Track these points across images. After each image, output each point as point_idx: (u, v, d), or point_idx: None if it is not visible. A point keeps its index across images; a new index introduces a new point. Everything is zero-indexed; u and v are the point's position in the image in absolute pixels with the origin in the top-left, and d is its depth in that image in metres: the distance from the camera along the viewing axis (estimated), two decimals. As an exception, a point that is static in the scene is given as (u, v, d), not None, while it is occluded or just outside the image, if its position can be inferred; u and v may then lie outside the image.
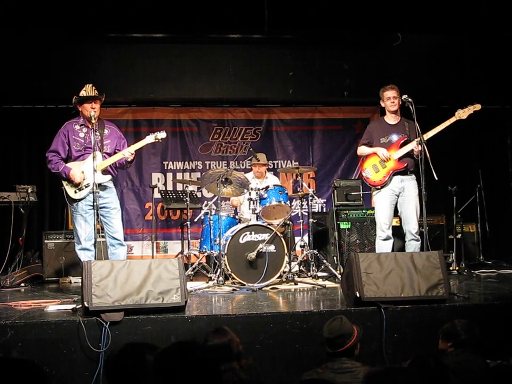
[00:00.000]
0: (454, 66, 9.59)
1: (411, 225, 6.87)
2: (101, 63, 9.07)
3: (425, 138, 6.66)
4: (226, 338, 3.75)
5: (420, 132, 6.51)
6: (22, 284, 7.59)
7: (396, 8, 8.65)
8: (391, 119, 7.15)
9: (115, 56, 9.16)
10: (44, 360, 4.60)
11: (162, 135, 6.64)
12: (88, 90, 6.45)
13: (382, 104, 7.20)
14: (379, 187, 6.99)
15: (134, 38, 9.11)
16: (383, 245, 6.98)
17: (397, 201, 7.00)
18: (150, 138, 6.64)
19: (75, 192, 6.40)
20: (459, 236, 8.47)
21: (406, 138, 6.94)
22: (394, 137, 7.04)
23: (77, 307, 5.17)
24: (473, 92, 9.51)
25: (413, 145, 6.79)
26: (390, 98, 7.03)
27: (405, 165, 6.89)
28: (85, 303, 4.82)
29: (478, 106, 6.81)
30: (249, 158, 8.57)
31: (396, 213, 7.12)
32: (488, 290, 6.44)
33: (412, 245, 6.87)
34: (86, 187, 6.37)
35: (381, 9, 8.69)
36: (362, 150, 7.30)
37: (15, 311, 5.39)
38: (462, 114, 6.80)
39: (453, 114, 6.86)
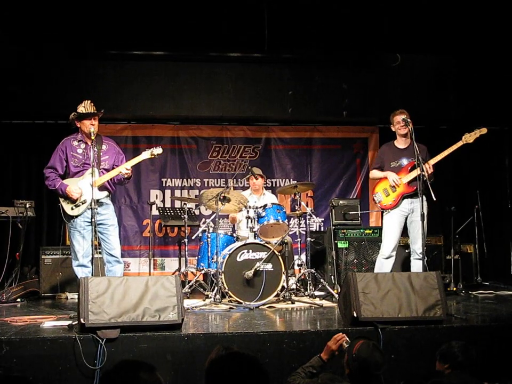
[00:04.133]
0: (453, 87, 9.64)
1: (417, 246, 6.91)
2: (101, 79, 9.11)
3: (433, 163, 6.75)
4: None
5: (418, 153, 6.53)
6: (18, 299, 7.55)
7: (395, 29, 8.71)
8: (401, 143, 7.20)
9: (115, 73, 9.20)
10: (39, 376, 4.58)
11: (158, 150, 6.63)
12: (87, 106, 6.45)
13: (393, 129, 7.24)
14: (389, 210, 7.06)
15: (134, 55, 9.16)
16: (384, 263, 7.01)
17: (405, 222, 7.06)
18: (146, 154, 6.62)
19: (72, 208, 6.37)
20: (457, 256, 8.46)
21: (415, 163, 6.97)
22: (404, 162, 7.09)
23: (73, 323, 5.15)
24: (471, 113, 9.57)
25: (418, 171, 6.84)
26: (400, 122, 7.06)
27: (414, 188, 6.92)
28: (81, 320, 4.80)
29: (484, 130, 6.88)
30: (247, 177, 8.58)
31: (403, 232, 7.18)
32: (486, 311, 6.43)
33: (416, 264, 6.94)
34: (82, 203, 6.36)
35: (380, 30, 8.75)
36: (374, 174, 7.41)
37: (11, 327, 5.35)
38: (469, 138, 6.87)
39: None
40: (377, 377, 3.90)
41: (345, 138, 10.46)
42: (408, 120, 6.64)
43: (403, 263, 7.87)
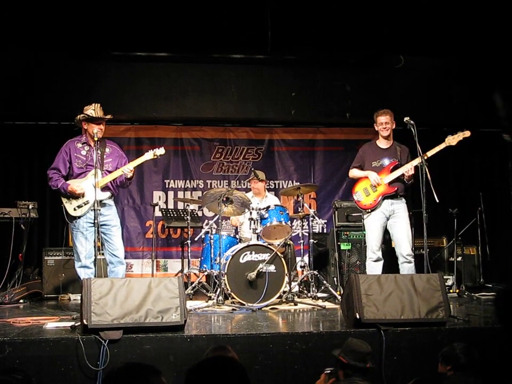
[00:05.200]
0: (456, 89, 9.63)
1: (403, 248, 6.89)
2: (104, 81, 9.12)
3: (415, 164, 6.71)
4: (229, 355, 3.75)
5: (421, 154, 6.53)
6: (21, 301, 7.57)
7: (398, 31, 8.70)
8: (383, 143, 7.20)
9: (118, 74, 9.20)
10: (42, 377, 4.59)
11: (161, 151, 6.65)
12: (97, 110, 6.47)
13: (376, 128, 7.23)
14: (369, 210, 7.03)
15: (137, 56, 9.16)
16: (375, 266, 7.00)
17: (387, 223, 7.03)
18: (148, 155, 6.65)
19: (74, 209, 6.40)
20: (459, 258, 8.46)
21: (397, 163, 6.99)
22: (386, 161, 7.08)
23: (76, 324, 5.15)
24: (474, 114, 9.56)
25: (403, 170, 6.85)
26: (383, 124, 7.09)
27: (395, 189, 6.93)
28: (84, 321, 4.80)
29: (467, 133, 6.86)
30: (250, 179, 8.60)
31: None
32: (488, 313, 6.41)
33: (405, 268, 6.87)
34: (85, 204, 6.38)
35: (383, 32, 8.75)
36: (354, 173, 7.36)
37: (14, 328, 5.37)
38: (452, 140, 6.85)
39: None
40: (371, 366, 3.97)
41: (348, 140, 10.43)
42: (412, 122, 6.62)
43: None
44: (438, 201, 6.42)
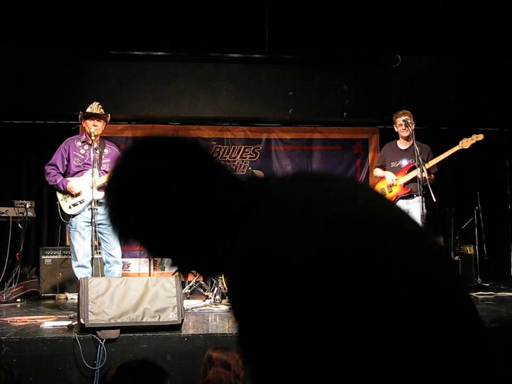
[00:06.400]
0: (453, 89, 9.63)
1: None
2: (101, 80, 9.10)
3: (428, 167, 6.74)
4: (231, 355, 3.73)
5: (418, 154, 6.54)
6: (18, 300, 7.56)
7: (395, 30, 8.71)
8: (403, 143, 7.21)
9: (116, 73, 9.18)
10: (39, 376, 4.58)
11: None
12: (93, 107, 6.51)
13: (395, 129, 7.22)
14: None
15: (135, 55, 9.14)
16: None
17: None
18: None
19: (69, 207, 6.40)
20: (457, 257, 8.46)
21: (413, 165, 6.97)
22: (404, 162, 7.10)
23: (73, 324, 5.15)
24: (472, 114, 9.57)
25: (416, 173, 6.81)
26: (402, 125, 7.04)
27: (409, 191, 6.95)
28: (81, 320, 4.80)
29: (481, 137, 6.89)
30: (247, 178, 8.58)
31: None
32: (486, 312, 6.40)
33: None
34: (80, 203, 6.38)
35: (380, 31, 8.75)
36: (376, 173, 7.52)
37: (11, 327, 5.36)
38: (466, 143, 6.88)
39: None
40: None
41: (346, 139, 10.42)
42: (409, 121, 6.63)
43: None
44: (435, 200, 6.43)
